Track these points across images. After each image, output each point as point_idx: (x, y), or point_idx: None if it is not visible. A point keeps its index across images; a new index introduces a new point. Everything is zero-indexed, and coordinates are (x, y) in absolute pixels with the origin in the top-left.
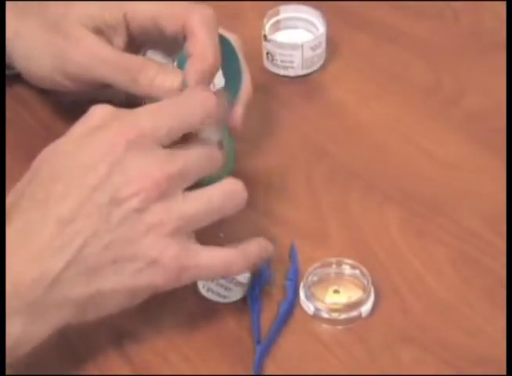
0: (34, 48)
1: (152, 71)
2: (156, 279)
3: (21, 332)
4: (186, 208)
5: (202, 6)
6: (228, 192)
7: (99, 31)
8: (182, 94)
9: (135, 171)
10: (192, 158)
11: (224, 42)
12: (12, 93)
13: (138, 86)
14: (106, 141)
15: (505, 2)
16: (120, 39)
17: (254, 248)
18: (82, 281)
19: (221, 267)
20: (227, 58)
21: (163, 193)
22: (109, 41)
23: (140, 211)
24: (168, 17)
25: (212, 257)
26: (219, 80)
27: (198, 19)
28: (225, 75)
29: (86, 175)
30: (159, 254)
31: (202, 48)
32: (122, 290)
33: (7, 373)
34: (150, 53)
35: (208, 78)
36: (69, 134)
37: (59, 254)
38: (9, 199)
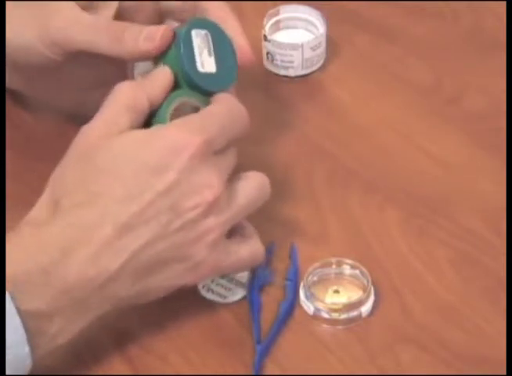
0: (18, 23)
1: (136, 29)
2: (193, 278)
3: (58, 330)
4: (230, 210)
5: None
6: (259, 183)
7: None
8: (223, 101)
9: (199, 180)
10: (233, 159)
11: (217, 30)
12: (12, 93)
13: (124, 46)
14: (173, 144)
15: (505, 2)
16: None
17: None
18: (130, 281)
19: (248, 261)
20: (220, 46)
21: (218, 204)
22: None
23: (196, 221)
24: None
25: (241, 253)
26: (210, 66)
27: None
28: (218, 62)
29: (152, 179)
30: (204, 258)
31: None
32: (164, 287)
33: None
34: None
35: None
36: (116, 122)
37: (115, 257)
38: (54, 181)
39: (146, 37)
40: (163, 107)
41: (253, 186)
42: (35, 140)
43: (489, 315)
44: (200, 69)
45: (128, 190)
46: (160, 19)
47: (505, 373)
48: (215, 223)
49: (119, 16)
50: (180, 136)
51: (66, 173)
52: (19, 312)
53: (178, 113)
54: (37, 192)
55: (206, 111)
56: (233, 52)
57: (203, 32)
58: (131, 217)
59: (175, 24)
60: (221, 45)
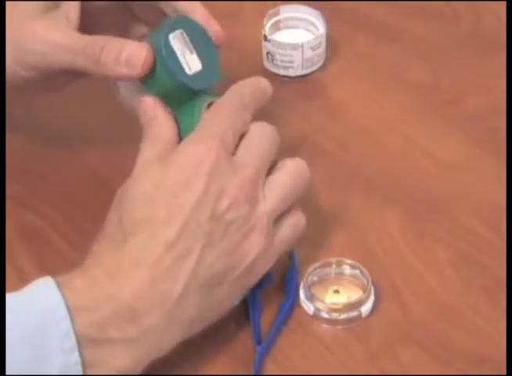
0: None
1: (115, 48)
2: (251, 280)
3: (129, 363)
4: (268, 204)
5: None
6: (293, 172)
7: (49, 15)
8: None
9: (226, 182)
10: (263, 148)
11: (195, 27)
12: (11, 94)
13: (103, 67)
14: (193, 155)
15: (505, 2)
16: (73, 14)
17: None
18: (196, 301)
19: (295, 236)
20: (200, 42)
21: (250, 199)
22: (66, 17)
23: (234, 222)
24: None
25: (285, 230)
26: (195, 64)
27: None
28: (201, 56)
29: (184, 192)
30: (254, 258)
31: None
32: (226, 299)
33: None
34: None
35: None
36: (143, 156)
37: (176, 278)
38: (105, 232)
39: (127, 62)
40: (194, 124)
41: (286, 176)
42: (38, 142)
43: (489, 315)
44: (189, 72)
45: (168, 210)
46: (130, 19)
47: (505, 373)
48: (255, 217)
49: (86, 15)
50: (198, 146)
51: (111, 213)
52: (80, 341)
53: None
54: (39, 194)
55: (210, 112)
56: (208, 37)
57: (178, 32)
58: (177, 233)
59: (145, 29)
60: (195, 35)
